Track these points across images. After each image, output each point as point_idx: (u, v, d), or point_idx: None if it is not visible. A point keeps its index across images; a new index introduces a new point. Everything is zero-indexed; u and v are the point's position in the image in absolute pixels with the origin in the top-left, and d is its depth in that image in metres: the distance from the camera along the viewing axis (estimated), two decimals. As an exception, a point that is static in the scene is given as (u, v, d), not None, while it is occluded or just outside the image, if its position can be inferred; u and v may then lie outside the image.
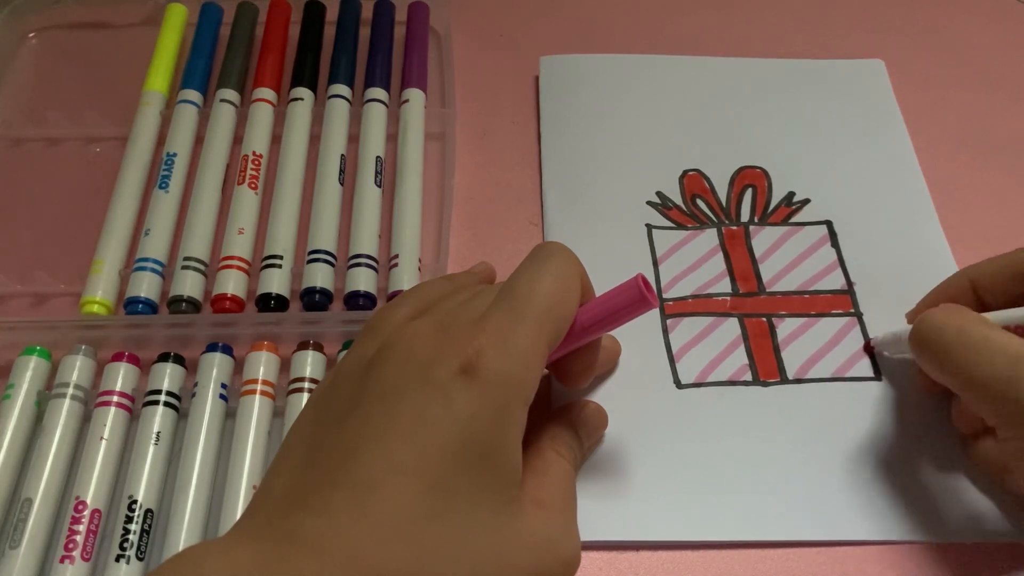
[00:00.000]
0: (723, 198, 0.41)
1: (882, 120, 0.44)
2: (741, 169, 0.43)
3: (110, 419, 0.34)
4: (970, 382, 0.28)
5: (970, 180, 0.42)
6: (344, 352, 0.36)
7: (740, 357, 0.36)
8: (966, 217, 0.41)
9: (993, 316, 0.30)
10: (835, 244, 0.40)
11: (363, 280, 0.38)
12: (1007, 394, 0.27)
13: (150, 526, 0.32)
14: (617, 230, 0.40)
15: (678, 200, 0.41)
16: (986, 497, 0.32)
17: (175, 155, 0.42)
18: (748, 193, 0.42)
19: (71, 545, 0.31)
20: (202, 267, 0.39)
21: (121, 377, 0.35)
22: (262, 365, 0.35)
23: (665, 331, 0.37)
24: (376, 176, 0.41)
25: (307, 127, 0.44)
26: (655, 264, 0.39)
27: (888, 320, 0.36)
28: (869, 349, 0.36)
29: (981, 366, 0.28)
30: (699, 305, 0.38)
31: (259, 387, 0.35)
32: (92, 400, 0.35)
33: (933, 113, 0.45)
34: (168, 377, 0.35)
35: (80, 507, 0.32)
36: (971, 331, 0.28)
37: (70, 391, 0.34)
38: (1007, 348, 0.27)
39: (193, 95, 0.45)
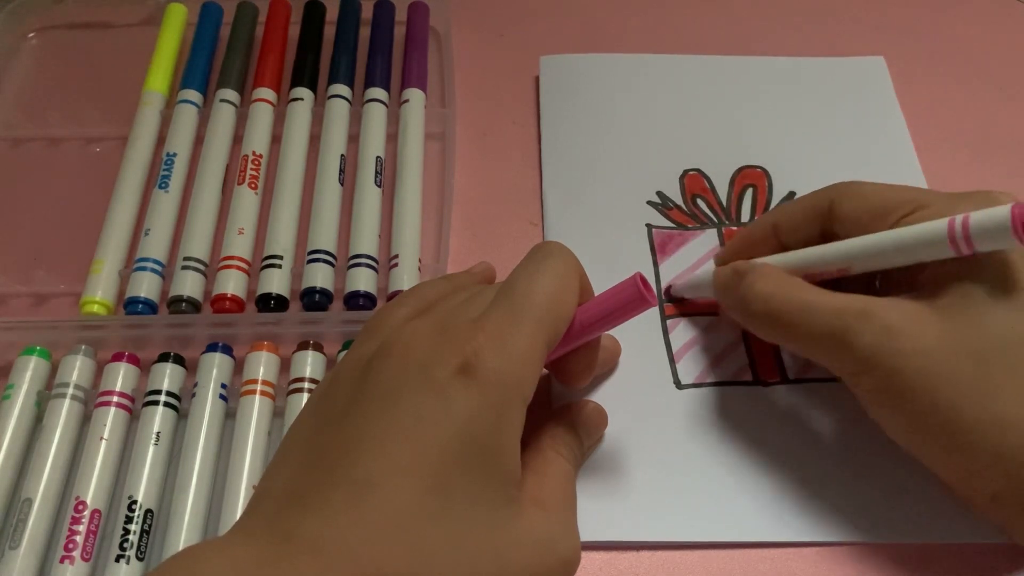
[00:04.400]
0: (723, 198, 0.41)
1: (883, 118, 0.44)
2: (741, 169, 0.42)
3: (110, 419, 0.34)
4: (805, 343, 0.30)
5: (970, 179, 0.42)
6: (344, 352, 0.36)
7: (740, 357, 0.36)
8: (966, 217, 0.41)
9: (792, 256, 0.32)
10: (835, 244, 0.40)
11: (363, 280, 0.38)
12: (840, 345, 0.29)
13: (150, 526, 0.32)
14: (617, 230, 0.40)
15: (678, 200, 0.41)
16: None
17: (175, 155, 0.42)
18: (749, 193, 0.42)
19: (71, 545, 0.31)
20: (202, 267, 0.39)
21: (121, 377, 0.35)
22: (262, 365, 0.35)
23: (665, 331, 0.37)
24: (376, 176, 0.41)
25: (307, 127, 0.44)
26: (655, 264, 0.39)
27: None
28: (670, 294, 0.38)
29: (812, 328, 0.29)
30: (699, 305, 0.38)
31: (259, 387, 0.35)
32: (92, 400, 0.35)
33: (934, 111, 0.45)
34: (168, 377, 0.35)
35: (80, 507, 0.32)
36: (793, 296, 0.30)
37: (70, 391, 0.34)
38: (830, 305, 0.29)
39: (193, 95, 0.45)
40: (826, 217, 0.32)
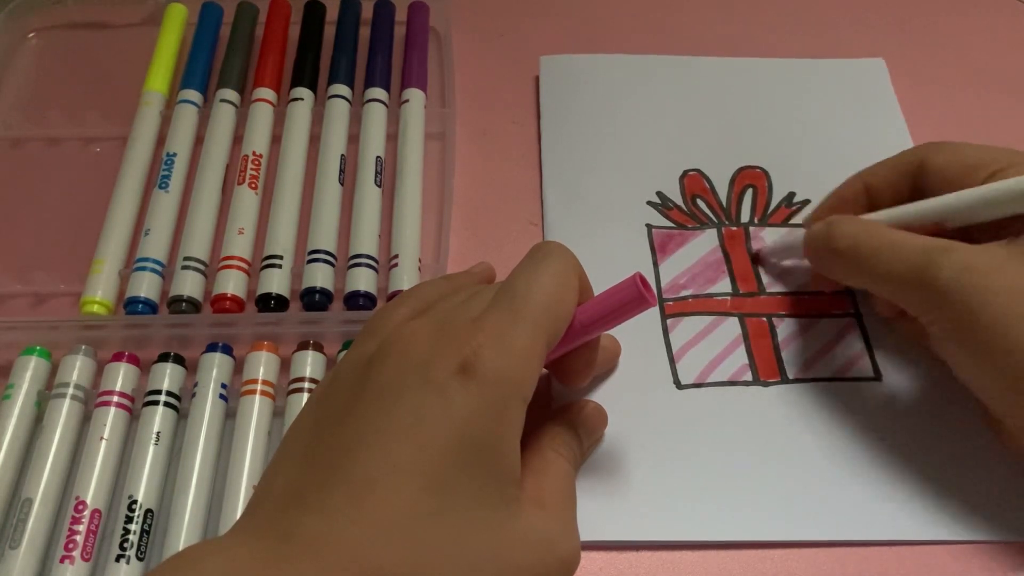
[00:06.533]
0: (723, 198, 0.41)
1: (883, 119, 0.44)
2: (741, 169, 0.43)
3: (110, 419, 0.34)
4: (888, 279, 0.31)
5: (970, 180, 0.42)
6: (344, 352, 0.36)
7: (740, 357, 0.36)
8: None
9: (884, 213, 0.33)
10: (835, 244, 0.40)
11: (363, 280, 0.38)
12: (921, 281, 0.30)
13: (150, 526, 0.32)
14: (617, 230, 0.40)
15: (678, 200, 0.41)
16: (988, 496, 0.32)
17: (175, 155, 0.42)
18: (748, 193, 0.42)
19: (71, 545, 0.31)
20: (202, 267, 0.39)
21: (121, 377, 0.35)
22: (262, 365, 0.35)
23: (665, 331, 0.37)
24: (376, 176, 0.41)
25: (307, 127, 0.44)
26: (655, 264, 0.39)
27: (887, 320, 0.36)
28: (758, 259, 0.39)
29: (896, 263, 0.31)
30: (699, 305, 0.38)
31: (259, 387, 0.35)
32: (92, 400, 0.35)
33: (934, 112, 0.45)
34: (168, 377, 0.35)
35: (80, 507, 0.32)
36: (880, 234, 0.32)
37: (70, 391, 0.34)
38: (914, 242, 0.31)
39: (193, 95, 0.45)
40: (917, 174, 0.33)
